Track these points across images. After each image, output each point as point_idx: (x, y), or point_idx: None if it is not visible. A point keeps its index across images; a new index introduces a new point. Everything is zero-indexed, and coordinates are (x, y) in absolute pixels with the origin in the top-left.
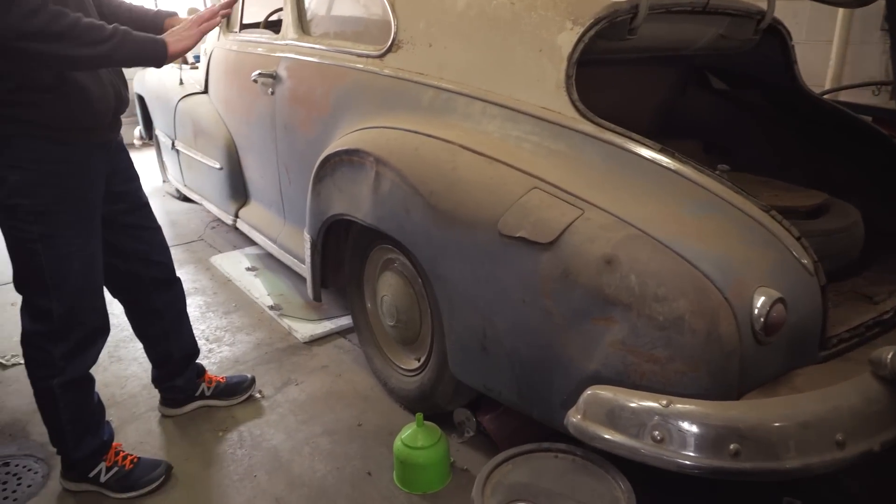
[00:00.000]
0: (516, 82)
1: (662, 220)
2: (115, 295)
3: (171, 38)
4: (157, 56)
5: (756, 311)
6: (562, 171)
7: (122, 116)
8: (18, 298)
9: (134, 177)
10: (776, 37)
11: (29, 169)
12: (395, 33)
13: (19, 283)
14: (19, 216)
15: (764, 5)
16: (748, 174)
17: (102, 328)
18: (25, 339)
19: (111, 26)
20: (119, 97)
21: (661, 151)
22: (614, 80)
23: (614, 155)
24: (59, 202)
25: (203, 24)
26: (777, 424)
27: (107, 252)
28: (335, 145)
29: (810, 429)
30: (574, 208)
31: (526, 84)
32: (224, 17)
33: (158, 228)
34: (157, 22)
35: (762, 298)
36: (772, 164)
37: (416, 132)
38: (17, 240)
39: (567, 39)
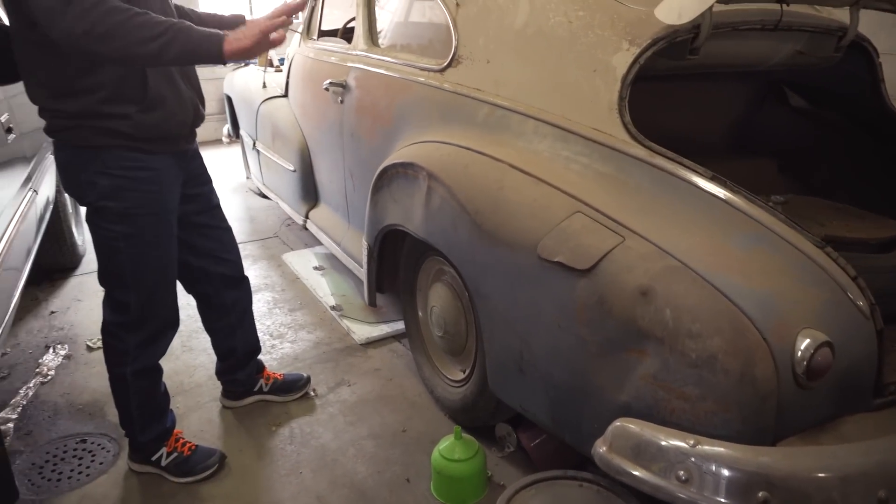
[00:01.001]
0: (569, 102)
1: (706, 252)
2: (188, 289)
3: (231, 36)
4: (213, 53)
5: (799, 354)
6: (607, 195)
7: (210, 115)
8: None
9: (207, 180)
10: (861, 53)
11: (116, 175)
12: (456, 48)
13: (102, 276)
14: (106, 217)
15: (846, 18)
16: (821, 198)
17: (173, 321)
18: (105, 328)
19: (166, 22)
20: (196, 112)
21: (712, 179)
22: (685, 95)
23: (663, 181)
24: (141, 205)
25: (265, 25)
26: (812, 475)
27: (181, 249)
28: (393, 157)
29: (850, 483)
30: (615, 235)
31: (579, 104)
32: (286, 22)
33: (228, 228)
34: (225, 25)
35: (806, 341)
36: (850, 188)
37: (468, 149)
38: (102, 238)
39: (622, 60)
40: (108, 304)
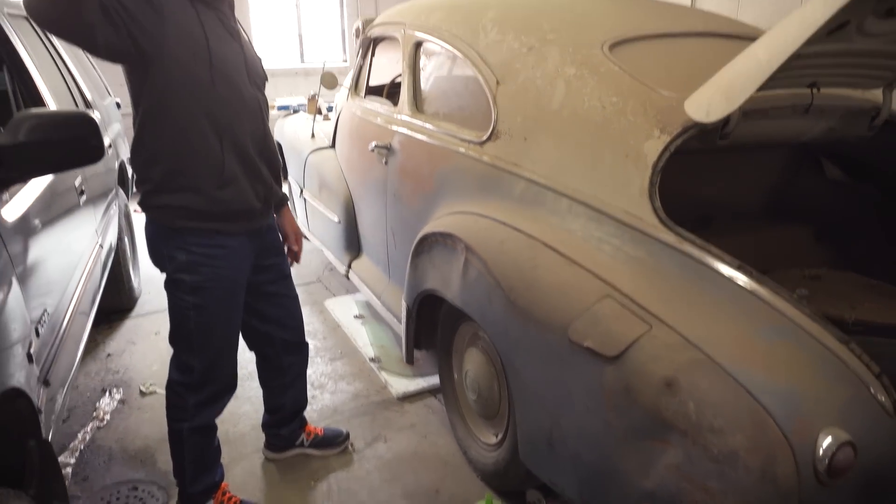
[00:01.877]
0: (603, 183)
1: (730, 345)
2: (250, 348)
3: None
4: None
5: (820, 453)
6: (637, 280)
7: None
8: (162, 328)
9: (280, 251)
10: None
11: (193, 252)
12: (495, 123)
13: (172, 338)
14: (181, 288)
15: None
16: (855, 274)
17: (231, 386)
18: (169, 385)
19: None
20: (270, 189)
21: (738, 268)
22: (720, 165)
23: (691, 268)
24: (212, 280)
25: None
26: None
27: (249, 314)
28: (433, 225)
29: None
30: (642, 323)
31: (612, 186)
32: None
33: (296, 297)
34: None
35: (828, 440)
36: (887, 262)
37: (504, 223)
38: (176, 306)
39: (653, 148)
40: (175, 364)
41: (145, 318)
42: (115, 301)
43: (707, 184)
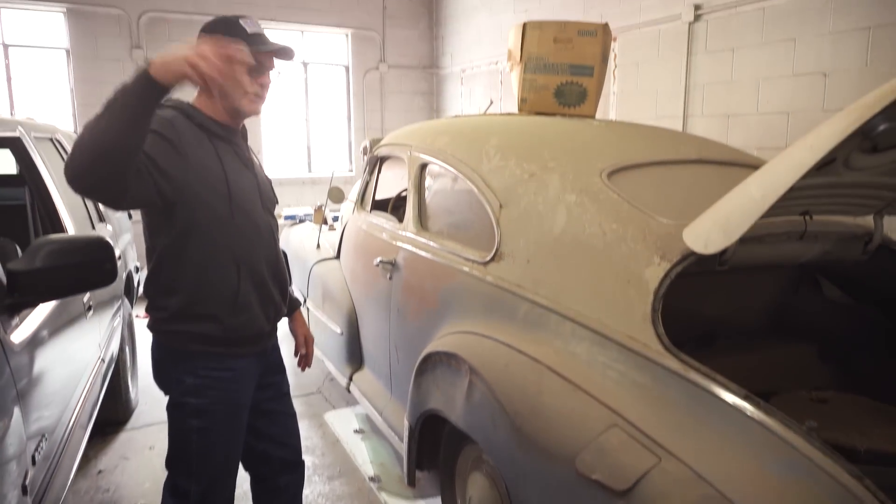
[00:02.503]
0: (605, 308)
1: (742, 480)
2: (245, 468)
3: (157, 58)
4: (146, 83)
5: None
6: (643, 409)
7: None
8: (157, 442)
9: (282, 370)
10: (892, 253)
11: (201, 375)
12: (499, 245)
13: (170, 462)
14: (185, 411)
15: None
16: (861, 397)
17: None
18: None
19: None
20: (278, 310)
21: (745, 398)
22: (720, 284)
23: (697, 396)
24: (218, 403)
25: (204, 50)
26: None
27: (245, 432)
28: (437, 344)
29: None
30: (651, 455)
31: (614, 311)
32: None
33: (294, 415)
34: None
35: None
36: (893, 380)
37: (509, 346)
38: (177, 429)
39: (654, 274)
40: (169, 488)
41: (139, 432)
42: (111, 413)
43: (707, 303)
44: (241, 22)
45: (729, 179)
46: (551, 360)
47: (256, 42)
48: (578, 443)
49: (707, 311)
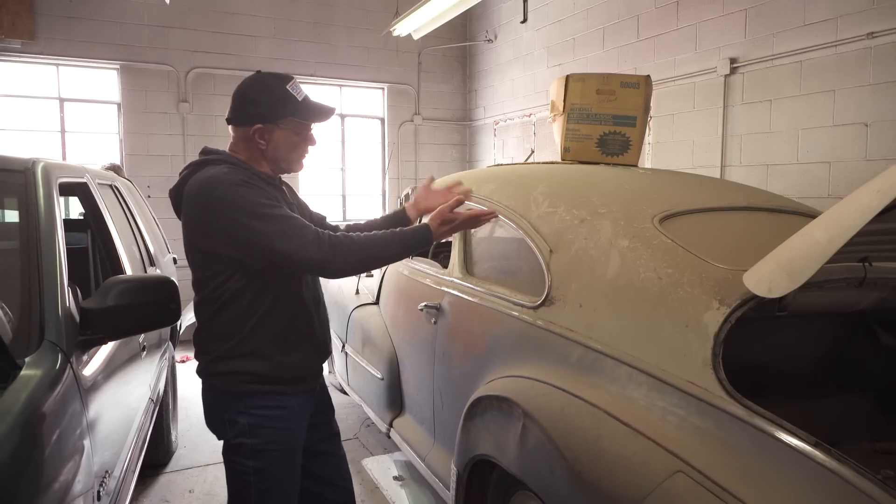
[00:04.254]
0: (663, 353)
1: None
2: None
3: (435, 225)
4: (426, 241)
5: None
6: (708, 454)
7: None
8: (196, 486)
9: (331, 410)
10: None
11: (255, 415)
12: (549, 289)
13: None
14: (242, 453)
15: None
16: None
17: None
18: None
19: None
20: (326, 349)
21: (815, 446)
22: (775, 330)
23: (764, 443)
24: (273, 442)
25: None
26: None
27: (301, 473)
28: (487, 388)
29: None
30: (720, 502)
31: (673, 356)
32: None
33: (344, 456)
34: (392, 221)
35: None
36: None
37: (563, 390)
38: (235, 472)
39: (713, 319)
40: None
41: (179, 475)
42: (153, 455)
43: (762, 350)
44: (290, 88)
45: (778, 226)
46: (608, 405)
47: (307, 111)
48: (642, 489)
49: (759, 358)
